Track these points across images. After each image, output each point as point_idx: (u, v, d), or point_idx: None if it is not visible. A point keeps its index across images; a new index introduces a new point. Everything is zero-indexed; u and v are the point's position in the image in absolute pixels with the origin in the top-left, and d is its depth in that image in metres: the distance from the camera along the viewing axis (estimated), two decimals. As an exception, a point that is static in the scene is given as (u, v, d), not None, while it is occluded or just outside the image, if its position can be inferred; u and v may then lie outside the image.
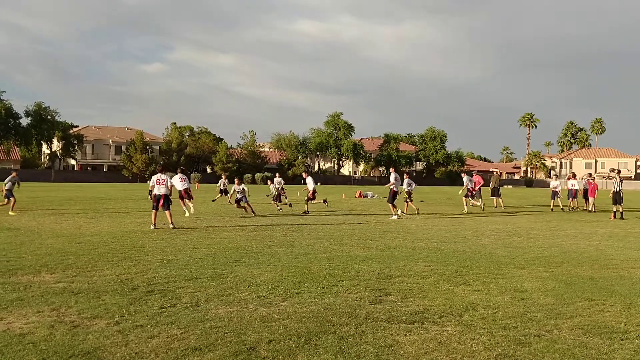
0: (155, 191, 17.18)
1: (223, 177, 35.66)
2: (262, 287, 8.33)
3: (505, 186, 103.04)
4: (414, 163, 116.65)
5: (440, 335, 6.15)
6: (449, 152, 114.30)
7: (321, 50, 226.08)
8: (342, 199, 38.58)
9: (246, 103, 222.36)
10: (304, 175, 27.23)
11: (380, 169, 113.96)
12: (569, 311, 7.26)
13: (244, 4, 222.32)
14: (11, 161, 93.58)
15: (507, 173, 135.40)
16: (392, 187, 23.30)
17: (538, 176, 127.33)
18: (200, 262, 10.55)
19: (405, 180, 24.78)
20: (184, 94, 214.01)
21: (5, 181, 22.64)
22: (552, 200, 29.76)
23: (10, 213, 21.05)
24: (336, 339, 5.91)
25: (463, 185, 28.43)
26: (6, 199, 21.94)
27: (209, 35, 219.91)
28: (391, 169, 25.03)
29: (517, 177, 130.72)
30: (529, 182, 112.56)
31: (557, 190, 29.88)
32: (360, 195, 42.35)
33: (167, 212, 17.01)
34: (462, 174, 30.48)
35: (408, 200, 24.73)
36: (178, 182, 20.39)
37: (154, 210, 17.08)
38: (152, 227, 16.61)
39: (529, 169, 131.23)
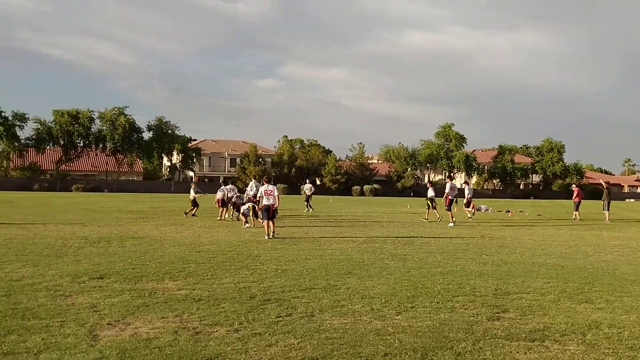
0: (264, 202, 17.57)
1: (307, 182, 36.07)
2: (376, 300, 8.31)
3: (627, 200, 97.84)
4: (530, 175, 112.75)
5: (563, 355, 5.91)
6: (567, 164, 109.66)
7: (432, 61, 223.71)
8: (455, 212, 37.80)
9: (355, 115, 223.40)
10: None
11: (495, 181, 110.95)
12: None
13: (355, 18, 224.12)
14: (134, 173, 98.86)
15: (629, 186, 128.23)
16: (448, 196, 25.58)
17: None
18: (314, 273, 10.68)
19: (430, 189, 28.21)
20: (295, 107, 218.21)
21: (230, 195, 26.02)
22: None
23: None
24: (453, 355, 5.80)
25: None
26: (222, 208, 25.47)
27: (320, 50, 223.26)
28: (447, 179, 26.92)
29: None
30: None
31: None
32: (473, 209, 41.40)
33: (271, 221, 17.42)
34: (463, 184, 31.68)
35: (431, 207, 27.19)
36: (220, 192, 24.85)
37: (265, 221, 17.49)
38: (266, 237, 17.03)
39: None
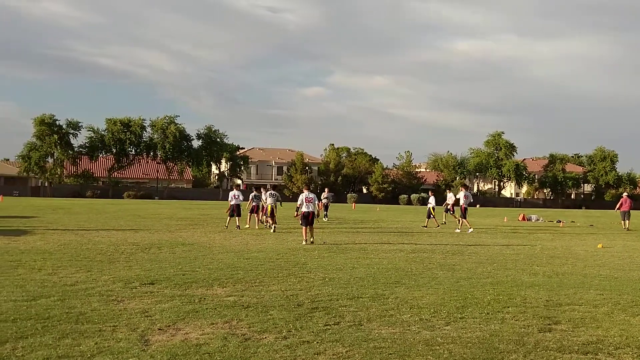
0: (304, 209, 18.00)
1: (326, 190, 35.60)
2: (424, 310, 8.24)
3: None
4: (582, 185, 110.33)
5: (618, 370, 5.76)
6: (620, 174, 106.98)
7: (479, 69, 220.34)
8: (504, 222, 37.30)
9: (402, 124, 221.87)
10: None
11: (545, 190, 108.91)
12: None
13: (402, 26, 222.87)
14: (184, 180, 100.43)
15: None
16: (462, 204, 25.94)
17: None
18: (361, 282, 10.65)
19: (431, 197, 29.71)
20: (342, 116, 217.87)
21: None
22: None
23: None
24: (504, 367, 5.70)
25: None
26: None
27: (367, 59, 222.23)
28: (460, 187, 28.29)
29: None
30: None
31: None
32: (523, 219, 40.77)
33: (309, 227, 17.98)
34: (447, 191, 33.58)
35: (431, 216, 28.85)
36: (232, 197, 24.27)
37: (303, 227, 17.98)
38: (304, 242, 17.58)
39: None
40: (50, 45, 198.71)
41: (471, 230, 25.15)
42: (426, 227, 28.15)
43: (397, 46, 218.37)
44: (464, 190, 27.14)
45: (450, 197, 30.54)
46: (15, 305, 7.87)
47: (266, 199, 24.38)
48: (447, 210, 30.73)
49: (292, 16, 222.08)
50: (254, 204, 24.79)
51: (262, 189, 26.32)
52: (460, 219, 26.59)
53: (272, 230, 22.29)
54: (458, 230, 25.36)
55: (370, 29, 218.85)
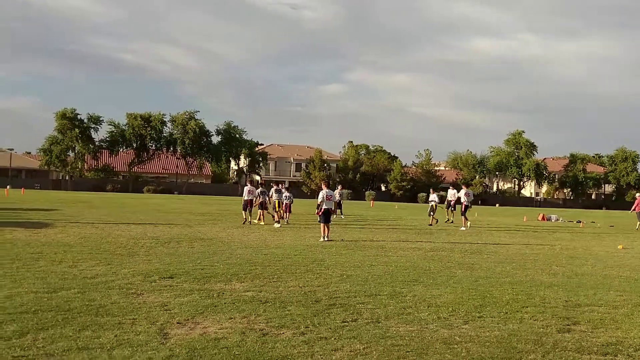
0: (325, 205, 18.20)
1: (339, 187, 35.70)
2: (442, 309, 8.22)
3: None
4: (603, 185, 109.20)
5: (638, 372, 5.70)
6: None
7: (499, 68, 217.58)
8: (524, 221, 37.04)
9: (421, 122, 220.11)
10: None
11: (566, 190, 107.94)
12: None
13: (421, 24, 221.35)
14: (203, 176, 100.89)
15: None
16: (463, 202, 26.26)
17: None
18: (379, 279, 10.65)
19: (432, 195, 30.30)
20: (360, 113, 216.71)
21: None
22: None
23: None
24: (522, 367, 5.67)
25: None
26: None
27: (386, 57, 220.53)
28: (463, 186, 28.73)
29: None
30: None
31: None
32: (543, 218, 40.47)
33: (326, 224, 18.08)
34: (451, 187, 32.95)
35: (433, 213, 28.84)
36: (246, 192, 24.70)
37: (322, 224, 18.15)
38: (322, 239, 17.70)
39: None
40: (74, 41, 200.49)
41: (463, 228, 25.42)
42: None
43: (416, 44, 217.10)
44: (465, 188, 27.63)
45: (450, 194, 30.38)
46: (36, 297, 7.98)
47: (272, 195, 24.53)
48: (448, 207, 30.31)
49: (313, 13, 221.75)
50: (261, 199, 25.05)
51: (280, 184, 26.42)
52: (462, 217, 26.61)
53: (280, 225, 22.51)
54: (463, 229, 25.40)
55: (388, 27, 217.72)
